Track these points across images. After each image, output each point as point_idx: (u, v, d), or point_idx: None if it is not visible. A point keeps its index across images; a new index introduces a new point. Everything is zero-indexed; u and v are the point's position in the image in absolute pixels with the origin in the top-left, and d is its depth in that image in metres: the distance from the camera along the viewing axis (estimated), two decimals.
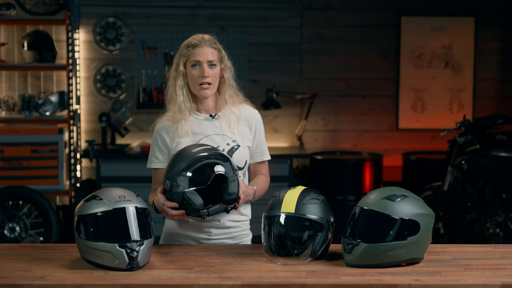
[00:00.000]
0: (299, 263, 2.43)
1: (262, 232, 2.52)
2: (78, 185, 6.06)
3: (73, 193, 5.96)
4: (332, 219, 2.51)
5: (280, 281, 2.24)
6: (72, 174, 6.00)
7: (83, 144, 6.26)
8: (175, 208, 2.57)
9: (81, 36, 6.33)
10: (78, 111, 6.26)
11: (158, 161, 2.81)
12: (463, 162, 4.86)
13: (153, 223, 2.46)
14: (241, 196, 2.61)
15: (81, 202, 2.44)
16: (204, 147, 2.59)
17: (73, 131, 6.02)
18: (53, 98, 5.86)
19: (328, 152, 6.44)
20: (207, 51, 2.73)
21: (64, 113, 6.02)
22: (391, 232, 2.36)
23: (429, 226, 2.42)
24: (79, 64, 6.30)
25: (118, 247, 2.32)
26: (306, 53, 6.51)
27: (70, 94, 5.96)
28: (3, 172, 5.67)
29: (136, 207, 2.40)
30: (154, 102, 6.26)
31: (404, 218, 2.37)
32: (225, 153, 2.72)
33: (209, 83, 2.74)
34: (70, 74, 5.95)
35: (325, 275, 2.29)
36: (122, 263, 2.32)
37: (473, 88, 6.60)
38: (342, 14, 6.49)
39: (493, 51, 6.59)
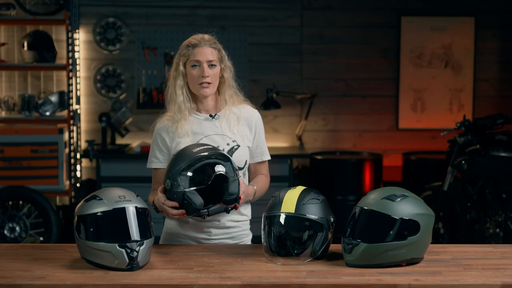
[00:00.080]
0: (299, 263, 2.43)
1: (262, 232, 2.52)
2: (78, 185, 6.06)
3: (73, 193, 5.96)
4: (332, 219, 2.51)
5: (280, 281, 2.24)
6: (72, 174, 6.00)
7: (83, 144, 6.26)
8: (175, 208, 2.57)
9: (81, 36, 6.33)
10: (78, 111, 6.26)
11: (158, 161, 2.81)
12: (463, 162, 4.86)
13: (153, 223, 2.47)
14: (242, 196, 2.61)
15: (81, 202, 2.44)
16: (205, 146, 2.59)
17: (73, 131, 6.02)
18: (53, 98, 5.86)
19: (328, 152, 6.44)
20: (207, 51, 2.73)
21: (64, 113, 6.02)
22: (391, 232, 2.36)
23: (429, 226, 2.42)
24: (79, 64, 6.30)
25: (118, 247, 2.32)
26: (306, 53, 6.51)
27: (70, 94, 5.96)
28: (3, 172, 5.67)
29: (136, 207, 2.40)
30: (154, 102, 6.26)
31: (404, 218, 2.37)
32: (225, 153, 2.72)
33: (209, 83, 2.74)
34: (70, 74, 5.95)
35: (325, 275, 2.29)
36: (122, 263, 2.32)
37: (473, 88, 6.60)
38: (342, 14, 6.49)
39: (493, 51, 6.59)
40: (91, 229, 2.37)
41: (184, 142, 2.74)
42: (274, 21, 6.46)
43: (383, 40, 6.54)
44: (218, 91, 2.82)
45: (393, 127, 6.61)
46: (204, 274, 2.31)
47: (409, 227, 2.37)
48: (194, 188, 2.53)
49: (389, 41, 6.54)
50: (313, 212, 2.48)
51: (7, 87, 6.28)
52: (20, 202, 5.64)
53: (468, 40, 6.55)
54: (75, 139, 6.09)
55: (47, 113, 5.80)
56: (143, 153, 5.58)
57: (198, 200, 2.53)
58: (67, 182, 5.87)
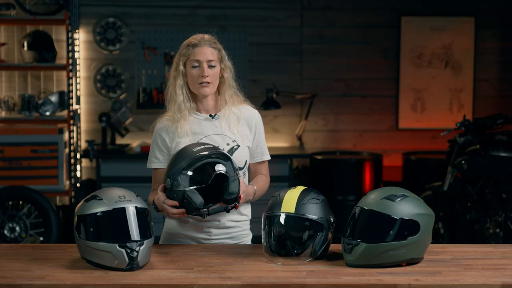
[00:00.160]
0: (299, 263, 2.43)
1: (262, 232, 2.52)
2: (78, 185, 6.06)
3: (73, 193, 5.96)
4: (332, 219, 2.51)
5: (280, 281, 2.24)
6: (72, 174, 6.00)
7: (83, 144, 6.26)
8: (175, 207, 2.57)
9: (81, 36, 6.33)
10: (78, 111, 6.26)
11: (158, 161, 2.81)
12: (463, 162, 4.86)
13: (153, 223, 2.47)
14: (242, 196, 2.61)
15: (81, 202, 2.44)
16: (205, 146, 2.59)
17: (73, 131, 6.02)
18: (53, 98, 5.86)
19: (328, 152, 6.44)
20: (207, 51, 2.74)
21: (64, 113, 6.02)
22: (391, 232, 2.36)
23: (429, 226, 2.42)
24: (79, 64, 6.30)
25: (118, 247, 2.32)
26: (306, 53, 6.51)
27: (70, 94, 5.96)
28: (3, 172, 5.67)
29: (136, 207, 2.40)
30: (154, 102, 6.26)
31: (404, 218, 2.37)
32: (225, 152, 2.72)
33: (209, 82, 2.74)
34: (70, 74, 5.95)
35: (325, 275, 2.29)
36: (122, 263, 2.32)
37: (473, 88, 6.60)
38: (342, 14, 6.49)
39: (493, 51, 6.59)
40: (91, 229, 2.37)
41: (184, 142, 2.74)
42: (274, 21, 6.46)
43: (383, 40, 6.54)
44: (218, 91, 2.82)
45: (393, 127, 6.61)
46: (204, 274, 2.31)
47: (409, 227, 2.37)
48: (194, 187, 2.53)
49: (389, 41, 6.54)
50: (313, 212, 2.48)
51: (7, 87, 6.28)
52: (20, 202, 5.64)
53: (468, 40, 6.55)
54: (75, 139, 6.09)
55: (47, 113, 5.80)
56: (143, 153, 5.58)
57: (198, 199, 2.53)
58: (67, 182, 5.87)
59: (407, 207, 2.39)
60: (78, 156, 6.13)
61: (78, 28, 6.25)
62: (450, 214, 5.08)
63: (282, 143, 6.51)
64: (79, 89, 6.32)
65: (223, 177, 2.54)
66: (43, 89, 6.28)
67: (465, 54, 6.56)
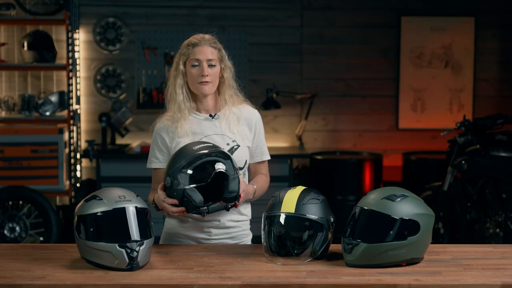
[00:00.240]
0: (299, 263, 2.43)
1: (262, 232, 2.52)
2: (78, 185, 6.06)
3: (73, 193, 5.96)
4: (332, 219, 2.51)
5: (280, 281, 2.24)
6: (72, 174, 6.00)
7: (83, 144, 6.26)
8: (175, 205, 2.57)
9: (81, 36, 6.33)
10: (78, 111, 6.26)
11: (158, 161, 2.81)
12: (463, 162, 4.86)
13: (153, 223, 2.47)
14: (241, 194, 2.61)
15: (81, 202, 2.44)
16: (205, 144, 2.60)
17: (73, 131, 6.02)
18: (53, 98, 5.86)
19: (328, 152, 6.44)
20: (207, 50, 2.74)
21: (64, 113, 6.02)
22: (391, 232, 2.36)
23: (429, 226, 2.42)
24: (79, 64, 6.30)
25: (118, 247, 2.32)
26: (306, 53, 6.51)
27: (70, 94, 5.96)
28: (3, 172, 5.67)
29: (136, 207, 2.40)
30: (154, 102, 6.26)
31: (404, 218, 2.37)
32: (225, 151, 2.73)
33: (208, 82, 2.74)
34: (70, 74, 5.95)
35: (325, 275, 2.29)
36: (122, 263, 2.32)
37: (473, 88, 6.60)
38: (342, 14, 6.49)
39: (493, 51, 6.59)
40: (91, 229, 2.37)
41: (184, 142, 2.74)
42: (274, 21, 6.46)
43: (383, 40, 6.54)
44: (218, 91, 2.82)
45: (393, 127, 6.61)
46: (204, 274, 2.31)
47: (409, 227, 2.37)
48: (194, 185, 2.53)
49: (389, 41, 6.54)
50: (313, 212, 2.48)
51: (7, 87, 6.28)
52: (20, 202, 5.64)
53: (468, 40, 6.55)
54: (75, 139, 6.09)
55: (47, 113, 5.80)
56: (143, 153, 5.58)
57: (198, 197, 2.53)
58: (67, 182, 5.87)
59: (407, 207, 2.39)
60: (78, 156, 6.13)
61: (78, 28, 6.25)
62: (450, 214, 5.08)
63: (282, 143, 6.52)
64: (79, 89, 6.32)
65: (223, 175, 2.54)
66: (43, 89, 6.28)
67: (465, 54, 6.56)
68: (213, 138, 2.77)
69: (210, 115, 2.81)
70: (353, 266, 2.37)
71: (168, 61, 6.27)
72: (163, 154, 2.81)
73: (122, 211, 2.37)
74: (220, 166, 2.54)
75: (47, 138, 5.73)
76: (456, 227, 5.03)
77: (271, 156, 2.95)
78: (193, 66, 2.74)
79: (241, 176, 2.64)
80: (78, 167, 6.15)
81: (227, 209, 2.60)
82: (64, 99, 6.01)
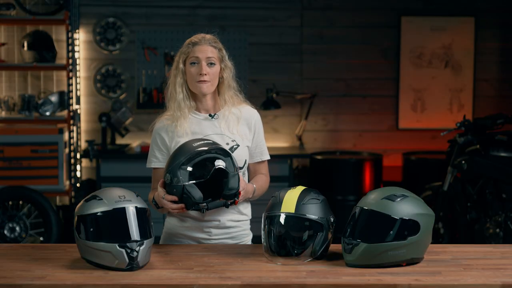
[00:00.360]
0: (299, 263, 2.43)
1: (262, 232, 2.52)
2: (78, 185, 6.06)
3: (73, 193, 5.96)
4: (332, 219, 2.51)
5: (280, 281, 2.24)
6: (72, 174, 6.00)
7: (83, 144, 6.26)
8: (174, 202, 2.57)
9: (81, 36, 6.34)
10: (78, 111, 6.26)
11: (158, 161, 2.81)
12: (463, 162, 4.86)
13: (153, 223, 2.47)
14: (241, 192, 2.61)
15: (81, 202, 2.44)
16: (205, 141, 2.60)
17: (73, 131, 6.02)
18: (53, 98, 5.86)
19: (328, 152, 6.44)
20: (207, 49, 2.74)
21: (64, 113, 6.02)
22: (391, 232, 2.36)
23: (429, 226, 2.42)
24: (79, 64, 6.30)
25: (118, 247, 2.32)
26: (306, 53, 6.51)
27: (70, 94, 5.96)
28: (3, 172, 5.67)
29: (136, 207, 2.40)
30: (154, 102, 6.26)
31: (404, 218, 2.37)
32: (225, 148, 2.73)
33: (206, 81, 2.73)
34: (70, 74, 5.95)
35: (325, 275, 2.29)
36: (122, 263, 2.32)
37: (473, 88, 6.60)
38: (342, 14, 6.49)
39: (493, 51, 6.59)
40: (91, 229, 2.37)
41: (183, 141, 2.73)
42: (274, 21, 6.46)
43: (383, 40, 6.54)
44: (218, 91, 2.82)
45: (393, 127, 6.61)
46: (204, 274, 2.31)
47: (409, 227, 2.37)
48: (194, 181, 2.53)
49: (389, 41, 6.54)
50: (313, 212, 2.48)
51: (7, 87, 6.28)
52: (20, 202, 5.64)
53: (468, 40, 6.55)
54: (75, 139, 6.09)
55: (47, 113, 5.80)
56: (143, 153, 5.57)
57: (197, 194, 2.53)
58: (67, 182, 5.87)
59: (407, 207, 2.39)
60: (78, 156, 6.13)
61: (78, 28, 6.25)
62: (450, 214, 5.08)
63: (282, 143, 6.52)
64: (79, 89, 6.32)
65: (222, 172, 2.54)
66: (43, 89, 6.28)
67: (465, 54, 6.56)
68: (213, 137, 2.76)
69: (210, 115, 2.81)
70: (353, 266, 2.37)
71: (168, 61, 6.27)
72: (162, 153, 2.81)
73: (122, 211, 2.37)
74: (219, 163, 2.54)
75: (47, 138, 5.73)
76: (456, 227, 5.03)
77: (271, 156, 2.95)
78: (192, 64, 2.74)
79: (240, 174, 2.64)
80: (78, 167, 6.15)
81: (227, 206, 2.60)
82: (64, 99, 6.01)
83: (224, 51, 2.79)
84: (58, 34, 6.22)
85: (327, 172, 6.09)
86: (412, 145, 6.56)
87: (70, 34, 5.94)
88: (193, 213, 2.70)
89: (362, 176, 6.06)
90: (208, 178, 2.55)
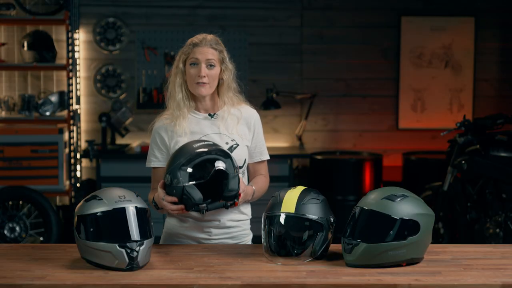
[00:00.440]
0: (299, 263, 2.43)
1: (262, 232, 2.52)
2: (78, 185, 6.06)
3: (73, 193, 5.96)
4: (332, 219, 2.51)
5: (280, 281, 2.24)
6: (72, 174, 6.00)
7: (83, 144, 6.26)
8: (174, 203, 2.57)
9: (81, 36, 6.34)
10: (78, 111, 6.26)
11: (157, 160, 2.81)
12: (463, 162, 4.86)
13: (153, 223, 2.47)
14: (241, 194, 2.61)
15: (81, 202, 2.44)
16: (205, 142, 2.60)
17: (73, 131, 6.02)
18: (53, 98, 5.86)
19: (328, 152, 6.44)
20: (207, 51, 2.73)
21: (64, 113, 6.02)
22: (391, 232, 2.36)
23: (429, 226, 2.42)
24: (79, 64, 6.30)
25: (118, 247, 2.32)
26: (306, 53, 6.51)
27: (70, 94, 5.96)
28: (3, 172, 5.67)
29: (136, 207, 2.40)
30: (154, 102, 6.26)
31: (404, 218, 2.37)
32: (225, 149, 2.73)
33: (205, 83, 2.73)
34: (70, 74, 5.95)
35: (325, 275, 2.29)
36: (122, 263, 2.32)
37: (473, 88, 6.60)
38: (342, 14, 6.49)
39: (493, 51, 6.59)
40: (91, 229, 2.37)
41: (183, 141, 2.74)
42: (274, 21, 6.46)
43: (383, 40, 6.54)
44: (218, 92, 2.82)
45: (393, 127, 6.61)
46: (204, 274, 2.31)
47: (409, 227, 2.37)
48: (193, 182, 2.53)
49: (389, 41, 6.54)
50: (313, 212, 2.48)
51: (7, 87, 6.28)
52: (20, 202, 5.64)
53: (468, 40, 6.55)
54: (75, 139, 6.09)
55: (47, 113, 5.80)
56: (143, 153, 5.56)
57: (197, 195, 2.53)
58: (67, 182, 5.87)
59: (407, 207, 2.39)
60: (78, 156, 6.13)
61: (78, 28, 6.25)
62: (450, 214, 5.08)
63: (282, 143, 6.52)
64: (79, 89, 6.32)
65: (222, 174, 2.54)
66: (43, 89, 6.28)
67: (465, 54, 6.56)
68: (212, 137, 2.76)
69: (209, 115, 2.81)
70: (353, 266, 2.37)
71: (168, 61, 6.27)
72: (162, 153, 2.81)
73: (122, 211, 2.37)
74: (219, 164, 2.53)
75: (47, 138, 5.73)
76: (456, 227, 5.03)
77: (271, 156, 2.95)
78: (192, 65, 2.74)
79: (240, 176, 2.64)
80: (78, 167, 6.15)
81: (226, 207, 2.59)
82: (64, 99, 6.01)
83: (225, 53, 2.78)
84: (58, 34, 6.22)
85: (327, 172, 6.09)
86: (412, 145, 6.56)
87: (70, 34, 5.94)
88: (193, 213, 2.70)
89: (362, 176, 6.06)
90: (208, 179, 2.54)
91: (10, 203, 5.62)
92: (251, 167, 2.87)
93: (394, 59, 6.56)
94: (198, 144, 2.57)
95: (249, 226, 2.88)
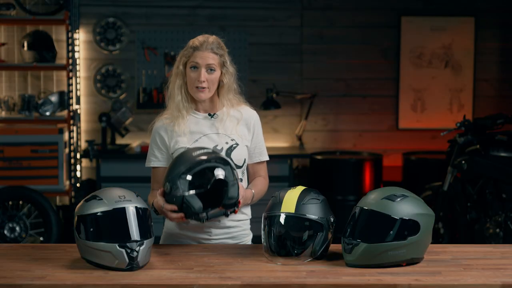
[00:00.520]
0: (299, 263, 2.43)
1: (262, 232, 2.52)
2: (78, 185, 6.06)
3: (73, 193, 5.96)
4: (332, 219, 2.51)
5: (280, 281, 2.24)
6: (72, 174, 6.00)
7: (83, 144, 6.26)
8: (174, 211, 2.56)
9: (81, 36, 6.34)
10: (78, 111, 6.26)
11: (157, 160, 2.81)
12: (463, 162, 4.86)
13: (153, 223, 2.46)
14: (241, 201, 2.61)
15: (81, 202, 2.44)
16: (205, 150, 2.58)
17: (73, 131, 6.02)
18: (53, 98, 5.86)
19: (328, 152, 6.44)
20: (208, 56, 2.71)
21: (64, 113, 6.02)
22: (391, 232, 2.36)
23: (429, 226, 2.42)
24: (79, 64, 6.30)
25: (118, 247, 2.32)
26: (306, 53, 6.51)
27: (70, 94, 5.96)
28: (3, 172, 5.67)
29: (136, 207, 2.40)
30: (154, 102, 6.26)
31: (404, 218, 2.37)
32: (224, 151, 2.73)
33: (205, 87, 2.72)
34: (70, 74, 5.95)
35: (325, 275, 2.29)
36: (122, 263, 2.32)
37: (473, 88, 6.60)
38: (342, 14, 6.49)
39: (493, 51, 6.59)
40: (91, 229, 2.37)
41: (183, 141, 2.74)
42: (274, 21, 6.46)
43: (383, 40, 6.54)
44: (218, 93, 2.81)
45: (393, 127, 6.61)
46: (204, 274, 2.31)
47: (409, 227, 2.37)
48: (193, 192, 2.53)
49: (389, 41, 6.54)
50: (313, 212, 2.48)
51: (7, 87, 6.28)
52: (20, 202, 5.64)
53: (468, 40, 6.55)
54: (75, 139, 6.09)
55: (47, 113, 5.80)
56: (143, 153, 5.55)
57: (197, 204, 2.52)
58: (67, 182, 5.87)
59: (407, 207, 2.39)
60: (78, 156, 6.13)
61: (78, 28, 6.25)
62: (450, 214, 5.08)
63: (282, 143, 6.52)
64: (79, 89, 6.32)
65: (222, 182, 2.54)
66: (43, 89, 6.28)
67: (465, 54, 6.56)
68: (212, 137, 2.77)
69: (209, 114, 2.81)
70: (353, 266, 2.37)
71: (168, 61, 6.27)
72: (162, 153, 2.81)
73: (122, 211, 2.37)
74: (219, 173, 2.53)
75: (47, 138, 5.73)
76: (456, 227, 5.03)
77: (271, 156, 2.94)
78: (192, 68, 2.73)
79: (240, 182, 2.63)
80: (78, 167, 6.15)
81: (227, 215, 2.59)
82: (64, 99, 6.01)
83: (226, 56, 2.76)
84: (58, 34, 6.22)
85: (327, 172, 6.09)
86: (412, 145, 6.56)
87: (70, 34, 5.94)
88: (192, 221, 2.69)
89: (362, 176, 6.06)
90: (208, 188, 2.54)
91: (10, 203, 5.62)
92: (250, 168, 2.87)
93: (394, 59, 6.56)
94: (198, 152, 2.56)
95: (249, 226, 2.88)
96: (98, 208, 2.37)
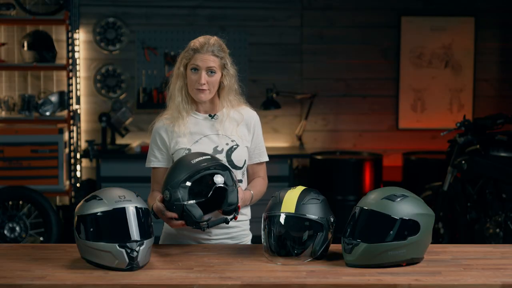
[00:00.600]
0: (299, 263, 2.43)
1: (262, 232, 2.52)
2: (78, 185, 6.06)
3: (73, 193, 5.96)
4: (332, 219, 2.51)
5: (280, 281, 2.24)
6: (72, 174, 6.00)
7: (83, 144, 6.26)
8: (174, 218, 2.56)
9: (81, 36, 6.34)
10: (78, 111, 6.26)
11: (157, 160, 2.81)
12: (463, 162, 4.86)
13: (153, 223, 2.46)
14: (240, 205, 2.61)
15: (81, 202, 2.44)
16: (204, 157, 2.58)
17: (73, 131, 6.02)
18: (53, 98, 5.86)
19: (328, 152, 6.43)
20: (208, 58, 2.70)
21: (64, 113, 6.02)
22: (391, 232, 2.36)
23: (429, 226, 2.42)
24: (79, 64, 6.30)
25: (118, 247, 2.32)
26: (306, 53, 6.51)
27: (70, 94, 5.96)
28: (3, 172, 5.67)
29: (136, 207, 2.40)
30: (154, 102, 6.26)
31: (404, 218, 2.37)
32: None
33: (205, 90, 2.72)
34: (70, 74, 5.95)
35: (325, 275, 2.29)
36: (122, 263, 2.32)
37: (473, 88, 6.60)
38: (342, 14, 6.49)
39: (493, 51, 6.59)
40: (91, 229, 2.37)
41: (183, 141, 2.74)
42: (274, 21, 6.46)
43: (383, 40, 6.54)
44: (218, 94, 2.81)
45: (393, 127, 6.61)
46: (204, 274, 2.31)
47: (409, 227, 2.37)
48: (194, 201, 2.52)
49: (389, 41, 6.54)
50: (313, 212, 2.48)
51: (7, 87, 6.28)
52: (20, 202, 5.64)
53: (468, 40, 6.55)
54: (75, 139, 6.09)
55: (47, 113, 5.80)
56: (143, 153, 5.55)
57: (197, 212, 2.52)
58: (67, 182, 5.87)
59: (407, 207, 2.39)
60: (78, 156, 6.13)
61: (78, 28, 6.25)
62: (450, 214, 5.08)
63: (282, 143, 6.52)
64: (79, 89, 6.32)
65: (222, 188, 2.54)
66: (43, 89, 6.28)
67: (465, 54, 6.56)
68: (212, 138, 2.77)
69: (210, 115, 2.81)
70: (353, 266, 2.37)
71: (168, 61, 6.27)
72: (162, 153, 2.81)
73: (122, 211, 2.37)
74: (219, 180, 2.53)
75: (47, 138, 5.73)
76: (456, 227, 5.03)
77: (271, 156, 2.94)
78: (192, 70, 2.73)
79: (239, 188, 2.63)
80: (78, 167, 6.15)
81: (227, 222, 2.59)
82: (64, 99, 6.01)
83: (227, 58, 2.75)
84: (58, 34, 6.22)
85: (327, 172, 6.09)
86: (412, 145, 6.56)
87: (70, 34, 5.94)
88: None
89: (362, 176, 6.06)
90: (208, 196, 2.54)
91: (10, 203, 5.62)
92: (250, 169, 2.87)
93: (394, 59, 6.56)
94: (197, 160, 2.56)
95: (249, 226, 2.88)
96: (98, 208, 2.37)
